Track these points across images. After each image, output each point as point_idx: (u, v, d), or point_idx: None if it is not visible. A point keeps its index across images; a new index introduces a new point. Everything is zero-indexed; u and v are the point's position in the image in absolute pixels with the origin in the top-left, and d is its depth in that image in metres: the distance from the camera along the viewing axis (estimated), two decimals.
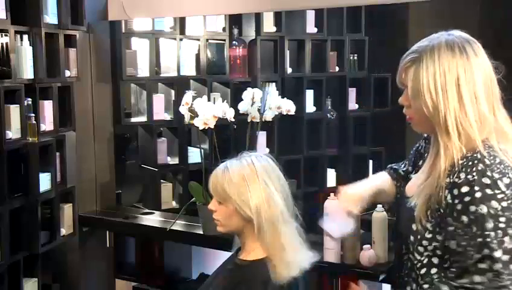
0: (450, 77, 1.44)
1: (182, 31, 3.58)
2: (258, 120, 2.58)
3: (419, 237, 1.51)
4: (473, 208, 1.38)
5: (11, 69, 2.62)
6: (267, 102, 2.57)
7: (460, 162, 1.43)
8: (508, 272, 1.37)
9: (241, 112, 2.60)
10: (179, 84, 3.55)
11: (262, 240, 1.79)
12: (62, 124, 2.97)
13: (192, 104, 2.54)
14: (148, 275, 3.28)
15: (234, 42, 3.71)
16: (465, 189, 1.39)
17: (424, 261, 1.51)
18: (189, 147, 3.64)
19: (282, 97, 2.64)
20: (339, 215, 1.84)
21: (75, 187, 3.06)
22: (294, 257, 1.80)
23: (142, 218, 3.09)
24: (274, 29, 3.79)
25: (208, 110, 2.50)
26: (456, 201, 1.41)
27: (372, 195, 1.84)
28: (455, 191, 1.42)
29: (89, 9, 3.08)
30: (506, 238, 1.37)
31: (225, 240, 2.10)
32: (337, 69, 4.01)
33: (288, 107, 2.61)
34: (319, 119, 3.94)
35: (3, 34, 2.61)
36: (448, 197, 1.43)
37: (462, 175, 1.41)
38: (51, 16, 2.83)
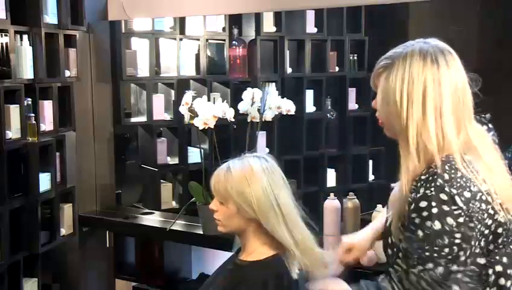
0: (418, 86, 1.42)
1: (182, 31, 3.58)
2: (258, 120, 2.58)
3: (395, 249, 1.52)
4: (428, 223, 1.38)
5: (11, 69, 2.62)
6: (267, 102, 2.57)
7: (422, 177, 1.41)
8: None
9: (241, 112, 2.60)
10: (179, 84, 3.55)
11: (273, 238, 1.79)
12: (62, 124, 2.97)
13: (192, 104, 2.54)
14: (148, 275, 3.28)
15: (234, 42, 3.71)
16: (423, 204, 1.38)
17: None
18: (189, 147, 3.64)
19: (282, 97, 2.64)
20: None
21: (75, 187, 3.06)
22: (313, 248, 1.82)
23: (142, 218, 3.09)
24: (274, 29, 3.79)
25: (207, 110, 2.50)
26: (414, 215, 1.40)
27: (374, 238, 1.88)
28: (414, 206, 1.41)
29: (89, 9, 3.08)
30: (461, 253, 1.38)
31: (225, 240, 2.10)
32: (337, 69, 4.01)
33: (288, 107, 2.61)
34: (319, 119, 3.94)
35: (3, 34, 2.61)
36: (410, 211, 1.42)
37: (422, 190, 1.40)
38: (50, 16, 2.83)
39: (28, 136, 2.71)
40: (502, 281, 1.43)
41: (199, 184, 2.63)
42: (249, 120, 2.60)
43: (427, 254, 1.39)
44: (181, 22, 3.56)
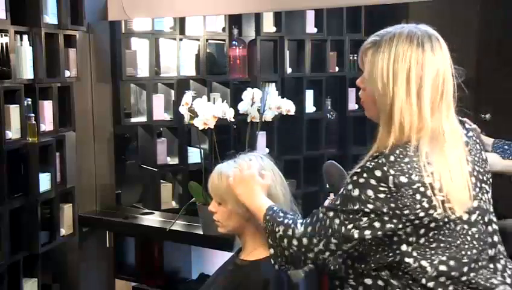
0: (402, 66, 1.43)
1: (182, 31, 3.58)
2: (258, 120, 2.59)
3: None
4: (349, 187, 1.43)
5: (11, 69, 2.62)
6: (267, 102, 2.57)
7: (373, 155, 1.45)
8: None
9: (241, 112, 2.60)
10: (179, 84, 3.55)
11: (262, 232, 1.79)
12: (62, 124, 2.97)
13: (192, 104, 2.55)
14: (148, 275, 3.28)
15: (234, 42, 3.70)
16: (357, 170, 1.44)
17: None
18: (189, 147, 3.64)
19: (282, 97, 2.64)
20: None
21: (75, 187, 3.06)
22: None
23: (141, 218, 3.09)
24: (274, 29, 3.78)
25: (207, 110, 2.50)
26: (349, 174, 1.47)
27: None
28: (353, 169, 1.47)
29: (89, 9, 3.08)
30: (364, 219, 1.41)
31: (225, 240, 2.10)
32: (337, 69, 4.01)
33: (288, 107, 2.61)
34: (318, 119, 3.94)
35: (3, 34, 2.61)
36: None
37: (365, 160, 1.44)
38: (50, 16, 2.83)
39: (28, 136, 2.71)
40: (423, 279, 1.44)
41: (199, 184, 2.63)
42: (249, 120, 2.60)
43: (333, 205, 1.47)
44: (181, 22, 3.55)
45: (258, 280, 1.77)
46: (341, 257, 1.56)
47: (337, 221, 1.45)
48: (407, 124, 1.43)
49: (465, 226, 1.45)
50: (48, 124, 2.85)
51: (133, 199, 3.62)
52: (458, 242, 1.44)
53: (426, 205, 1.39)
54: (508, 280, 1.50)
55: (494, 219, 1.53)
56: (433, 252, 1.43)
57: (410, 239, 1.43)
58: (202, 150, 2.82)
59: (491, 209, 1.53)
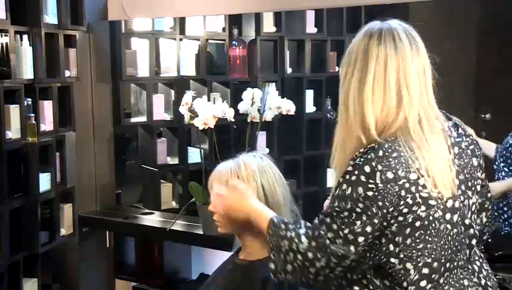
0: (364, 56, 1.46)
1: (182, 31, 3.58)
2: (258, 120, 2.59)
3: None
4: (343, 186, 1.43)
5: (11, 69, 2.62)
6: (267, 102, 2.57)
7: (360, 150, 1.45)
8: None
9: (241, 112, 2.60)
10: (179, 84, 3.55)
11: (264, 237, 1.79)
12: (62, 124, 2.97)
13: (192, 104, 2.54)
14: (148, 275, 3.28)
15: (234, 42, 3.70)
16: (349, 168, 1.44)
17: None
18: (189, 147, 3.64)
19: (282, 97, 2.64)
20: None
21: (75, 187, 3.06)
22: None
23: (142, 218, 3.09)
24: (274, 29, 3.79)
25: (207, 110, 2.50)
26: (342, 175, 1.45)
27: None
28: (346, 168, 1.46)
29: (89, 9, 3.08)
30: (358, 222, 1.40)
31: (225, 240, 2.10)
32: (337, 69, 3.99)
33: (288, 107, 2.61)
34: (319, 119, 3.94)
35: (3, 34, 2.61)
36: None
37: (358, 159, 1.43)
38: (50, 16, 2.83)
39: (28, 136, 2.71)
40: (404, 283, 1.43)
41: (199, 184, 2.63)
42: (249, 120, 2.60)
43: (330, 209, 1.45)
44: (181, 22, 3.56)
45: (257, 280, 1.77)
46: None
47: (334, 226, 1.43)
48: (366, 115, 1.44)
49: (448, 226, 1.45)
50: (48, 124, 2.85)
51: (133, 199, 3.62)
52: (442, 243, 1.44)
53: (410, 201, 1.40)
54: (483, 281, 1.51)
55: (476, 227, 1.52)
56: (419, 253, 1.43)
57: (397, 239, 1.42)
58: (202, 150, 2.82)
59: (474, 217, 1.52)
